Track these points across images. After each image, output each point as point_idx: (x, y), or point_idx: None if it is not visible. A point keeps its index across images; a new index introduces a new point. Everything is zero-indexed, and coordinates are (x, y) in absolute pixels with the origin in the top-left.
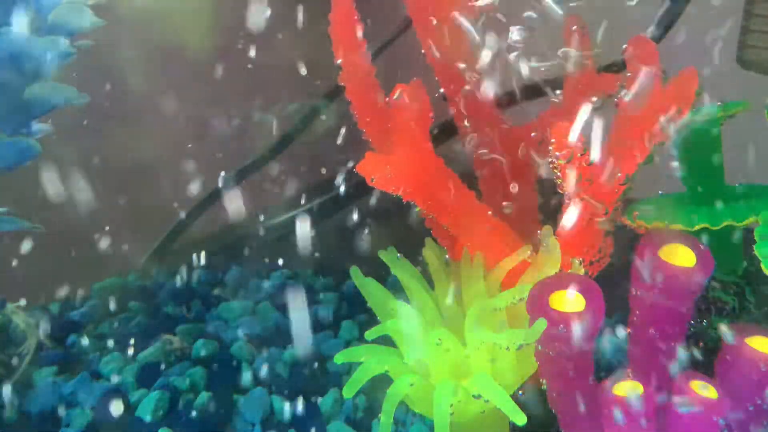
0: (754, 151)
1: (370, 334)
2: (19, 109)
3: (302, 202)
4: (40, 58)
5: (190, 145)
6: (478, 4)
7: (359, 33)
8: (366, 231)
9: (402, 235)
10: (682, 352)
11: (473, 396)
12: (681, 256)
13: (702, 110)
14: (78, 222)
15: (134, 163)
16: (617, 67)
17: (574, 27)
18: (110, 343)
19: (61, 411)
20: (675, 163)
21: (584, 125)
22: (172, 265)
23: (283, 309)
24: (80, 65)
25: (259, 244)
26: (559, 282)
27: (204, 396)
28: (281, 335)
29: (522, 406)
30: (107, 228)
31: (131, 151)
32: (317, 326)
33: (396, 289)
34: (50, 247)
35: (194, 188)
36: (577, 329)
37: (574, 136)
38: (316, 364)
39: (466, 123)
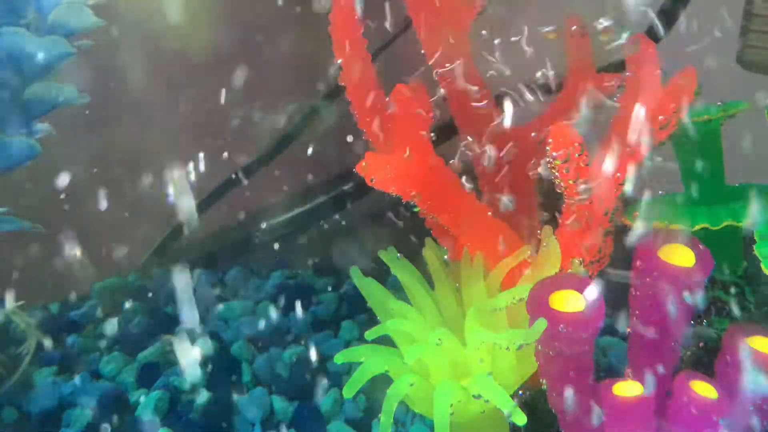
0: (754, 151)
1: (370, 334)
2: (19, 109)
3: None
4: (40, 58)
5: (190, 145)
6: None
7: (359, 33)
8: (366, 231)
9: (402, 235)
10: (682, 352)
11: (473, 396)
12: (681, 256)
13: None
14: (78, 222)
15: (134, 163)
16: (617, 67)
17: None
18: (110, 343)
19: (61, 411)
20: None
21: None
22: (172, 265)
23: (282, 309)
24: (80, 65)
25: (259, 245)
26: (559, 282)
27: (204, 396)
28: (281, 335)
29: (522, 406)
30: (107, 228)
31: (131, 150)
32: (317, 326)
33: (396, 289)
34: (50, 247)
35: (194, 188)
36: (577, 329)
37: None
38: (316, 365)
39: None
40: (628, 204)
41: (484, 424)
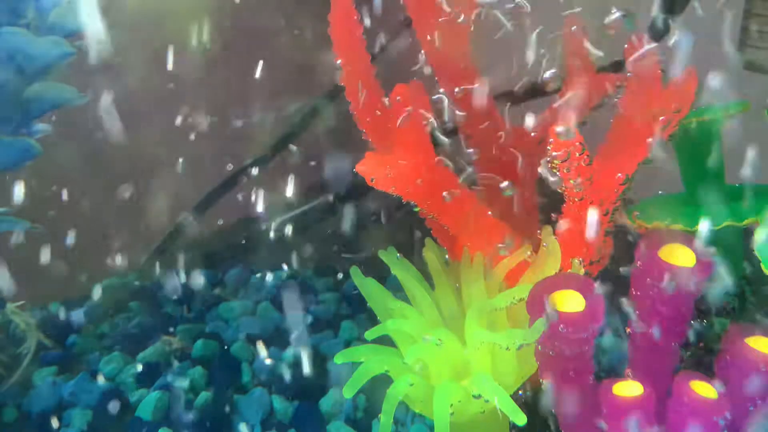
0: (754, 151)
1: (370, 334)
2: (19, 109)
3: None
4: (40, 58)
5: (190, 145)
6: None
7: (359, 33)
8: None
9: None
10: (682, 352)
11: (473, 396)
12: (681, 256)
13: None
14: (78, 222)
15: (134, 163)
16: (617, 67)
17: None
18: (110, 343)
19: (61, 411)
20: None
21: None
22: (172, 265)
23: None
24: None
25: (259, 244)
26: (559, 282)
27: (204, 396)
28: (281, 335)
29: (522, 406)
30: (107, 228)
31: (131, 150)
32: (317, 326)
33: (396, 289)
34: (50, 247)
35: (194, 188)
36: (577, 329)
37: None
38: (316, 364)
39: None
40: (628, 204)
41: (484, 424)
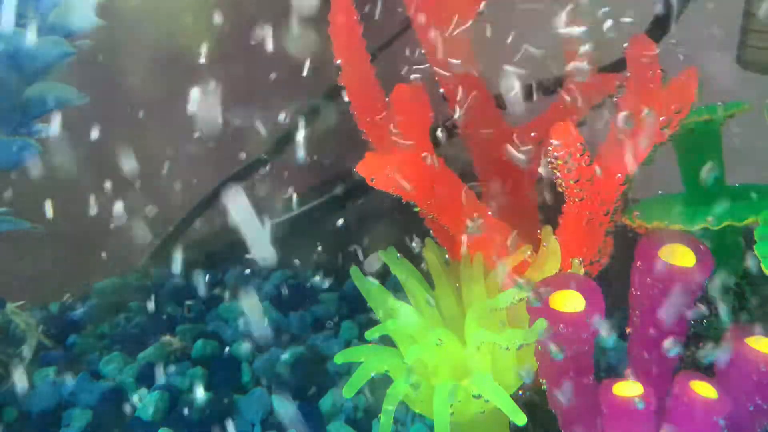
0: (754, 151)
1: (370, 334)
2: (19, 109)
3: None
4: (40, 58)
5: (190, 145)
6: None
7: (359, 33)
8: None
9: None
10: (682, 352)
11: (473, 396)
12: (681, 256)
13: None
14: (78, 222)
15: (134, 163)
16: (617, 67)
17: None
18: (110, 343)
19: (61, 411)
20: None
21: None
22: (172, 265)
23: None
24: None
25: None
26: (559, 282)
27: (204, 396)
28: (281, 335)
29: (522, 406)
30: (107, 228)
31: (131, 150)
32: (317, 326)
33: (396, 289)
34: (50, 247)
35: (194, 188)
36: (578, 328)
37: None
38: (316, 365)
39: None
40: (628, 204)
41: (484, 424)
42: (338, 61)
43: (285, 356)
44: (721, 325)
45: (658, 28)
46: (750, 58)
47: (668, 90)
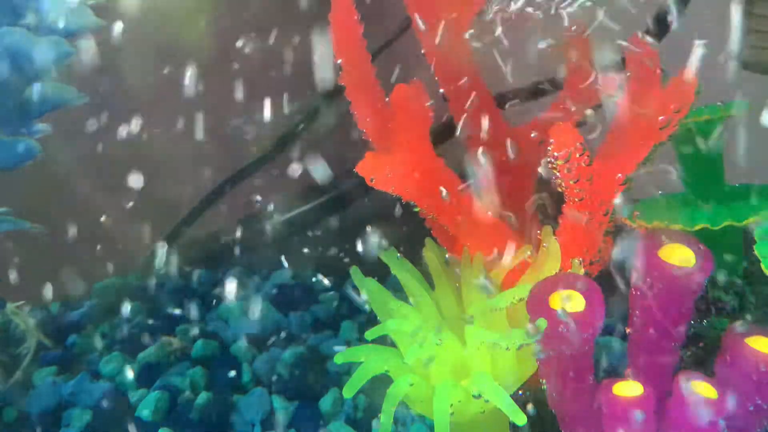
0: (754, 151)
1: (370, 334)
2: (19, 109)
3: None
4: (40, 58)
5: (190, 145)
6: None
7: (359, 33)
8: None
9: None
10: (682, 352)
11: (473, 396)
12: (681, 256)
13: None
14: (79, 222)
15: (134, 163)
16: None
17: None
18: (110, 343)
19: (61, 411)
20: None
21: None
22: (172, 265)
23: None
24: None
25: (259, 245)
26: (559, 282)
27: (204, 396)
28: (281, 335)
29: (522, 406)
30: (108, 228)
31: (131, 150)
32: (317, 326)
33: (396, 289)
34: (50, 246)
35: (194, 188)
36: (577, 329)
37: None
38: (316, 365)
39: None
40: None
41: (484, 424)
42: (338, 61)
43: (285, 356)
44: (721, 325)
45: (659, 27)
46: (750, 58)
47: (667, 90)
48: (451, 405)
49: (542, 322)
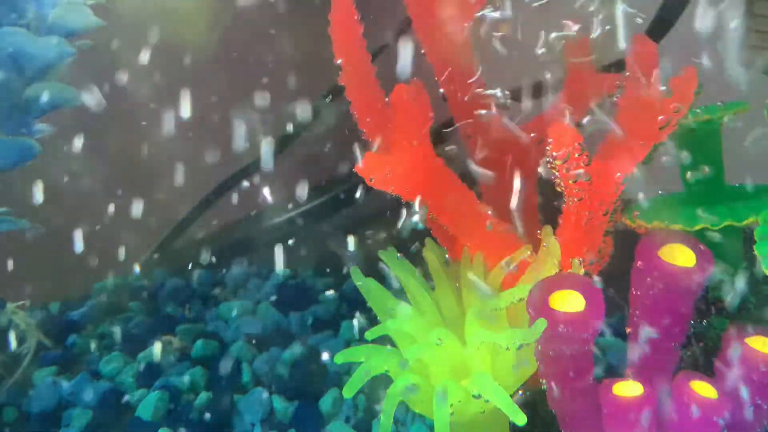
0: (754, 151)
1: (370, 334)
2: (19, 109)
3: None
4: (40, 58)
5: (190, 145)
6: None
7: (359, 33)
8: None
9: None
10: (682, 352)
11: (473, 396)
12: (681, 256)
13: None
14: (79, 222)
15: (134, 163)
16: (617, 67)
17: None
18: (110, 343)
19: (61, 411)
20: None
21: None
22: (172, 265)
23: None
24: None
25: (259, 245)
26: (559, 282)
27: (204, 396)
28: (281, 335)
29: (522, 406)
30: (108, 228)
31: (131, 150)
32: (317, 326)
33: (396, 289)
34: (50, 246)
35: (194, 188)
36: (578, 328)
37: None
38: (316, 365)
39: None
40: (628, 204)
41: (484, 424)
42: (338, 61)
43: (285, 356)
44: (721, 325)
45: (659, 27)
46: (750, 58)
47: (667, 90)
48: (451, 405)
49: (542, 322)
